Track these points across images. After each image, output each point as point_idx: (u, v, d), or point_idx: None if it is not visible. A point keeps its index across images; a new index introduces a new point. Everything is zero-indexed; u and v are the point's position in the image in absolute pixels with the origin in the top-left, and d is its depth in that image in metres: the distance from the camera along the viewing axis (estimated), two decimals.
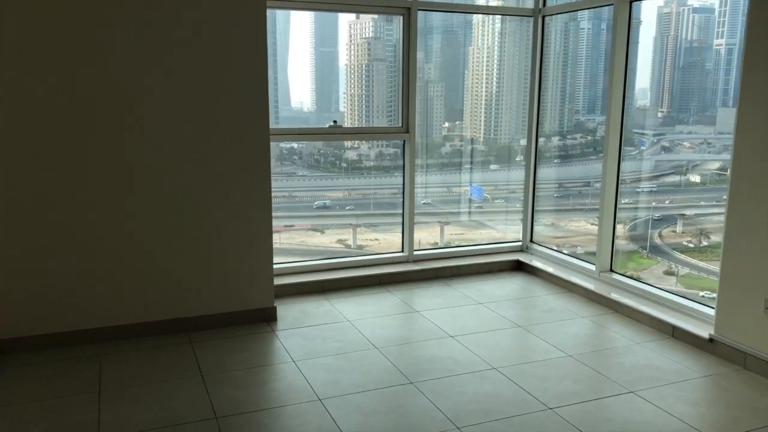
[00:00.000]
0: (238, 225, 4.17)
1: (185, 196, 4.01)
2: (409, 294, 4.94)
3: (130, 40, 3.71)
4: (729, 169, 3.68)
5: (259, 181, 4.17)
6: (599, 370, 3.62)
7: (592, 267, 5.22)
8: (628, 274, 5.20)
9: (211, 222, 4.10)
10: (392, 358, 3.73)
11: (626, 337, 4.13)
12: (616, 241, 5.35)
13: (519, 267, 5.67)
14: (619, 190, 5.46)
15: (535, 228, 5.93)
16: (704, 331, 3.91)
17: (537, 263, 5.54)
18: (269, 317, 4.32)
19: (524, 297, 4.95)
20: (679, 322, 4.10)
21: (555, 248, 5.74)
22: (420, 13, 5.13)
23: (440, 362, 3.68)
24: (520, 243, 5.93)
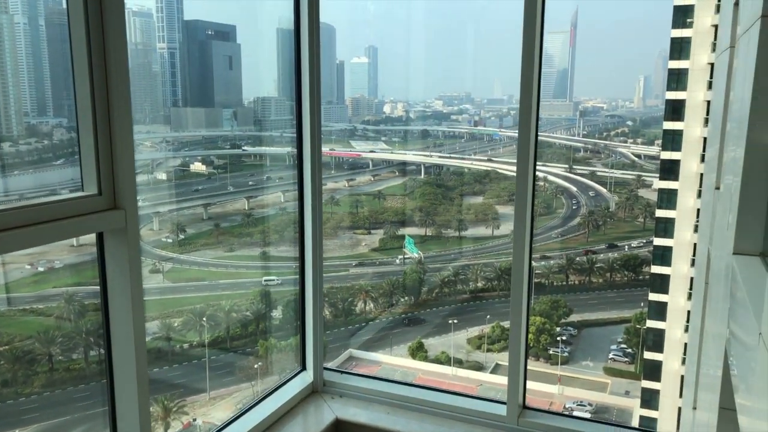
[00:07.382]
0: None
1: None
2: None
3: None
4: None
5: None
6: None
7: (500, 409, 2.71)
8: None
9: None
10: None
11: None
12: None
13: None
14: None
15: None
16: None
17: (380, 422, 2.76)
18: None
19: None
20: None
21: (372, 376, 3.27)
22: None
23: None
24: (309, 382, 3.05)
